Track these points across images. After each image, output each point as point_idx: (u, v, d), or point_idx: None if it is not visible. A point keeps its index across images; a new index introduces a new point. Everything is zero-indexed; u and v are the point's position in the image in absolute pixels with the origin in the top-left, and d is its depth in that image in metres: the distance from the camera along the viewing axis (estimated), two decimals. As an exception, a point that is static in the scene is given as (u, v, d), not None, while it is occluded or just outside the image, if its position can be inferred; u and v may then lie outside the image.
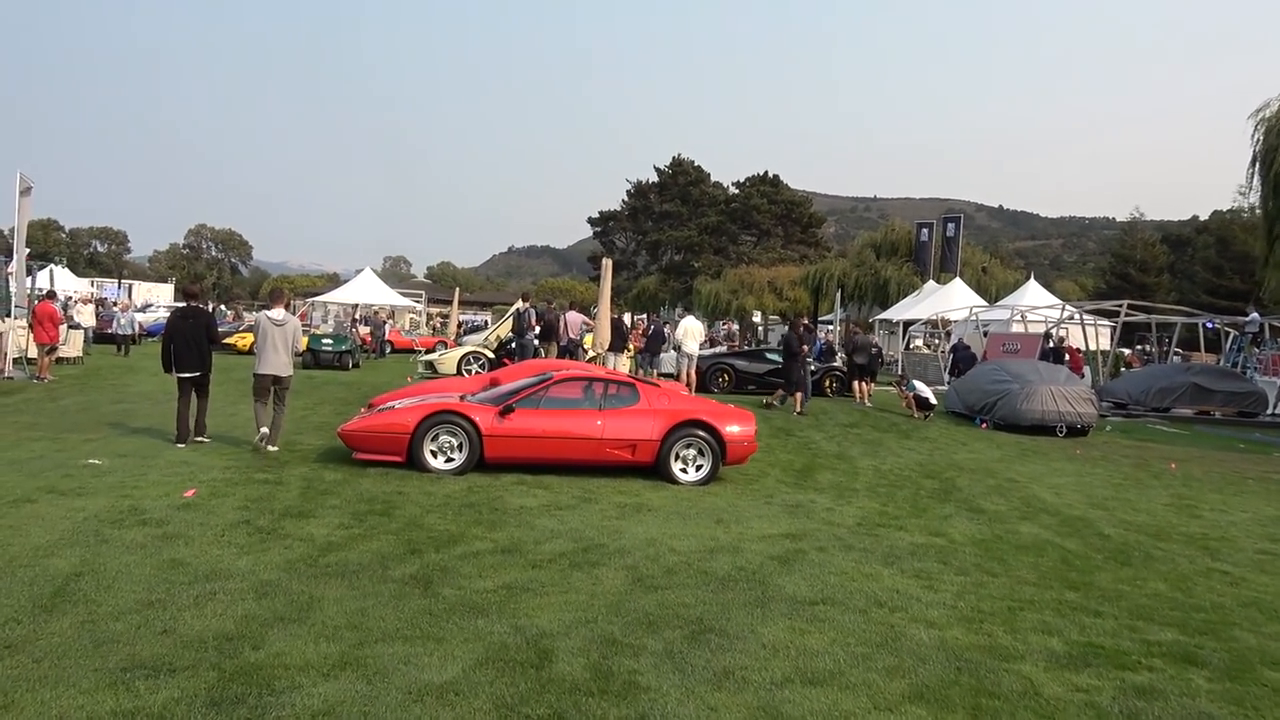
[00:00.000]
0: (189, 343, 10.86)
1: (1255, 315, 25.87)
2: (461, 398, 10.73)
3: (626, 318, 24.05)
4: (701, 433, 10.28)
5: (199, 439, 11.01)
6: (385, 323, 32.96)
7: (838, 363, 23.10)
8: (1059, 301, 34.93)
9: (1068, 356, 25.45)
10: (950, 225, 40.88)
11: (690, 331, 18.94)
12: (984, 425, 18.23)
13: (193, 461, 9.82)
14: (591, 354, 16.16)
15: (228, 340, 28.68)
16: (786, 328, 18.01)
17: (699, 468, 10.33)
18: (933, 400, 19.01)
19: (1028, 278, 37.31)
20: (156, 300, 57.65)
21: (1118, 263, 56.96)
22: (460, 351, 20.64)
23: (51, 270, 38.42)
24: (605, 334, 16.40)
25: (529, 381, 10.91)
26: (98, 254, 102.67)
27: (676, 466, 10.28)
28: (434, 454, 9.87)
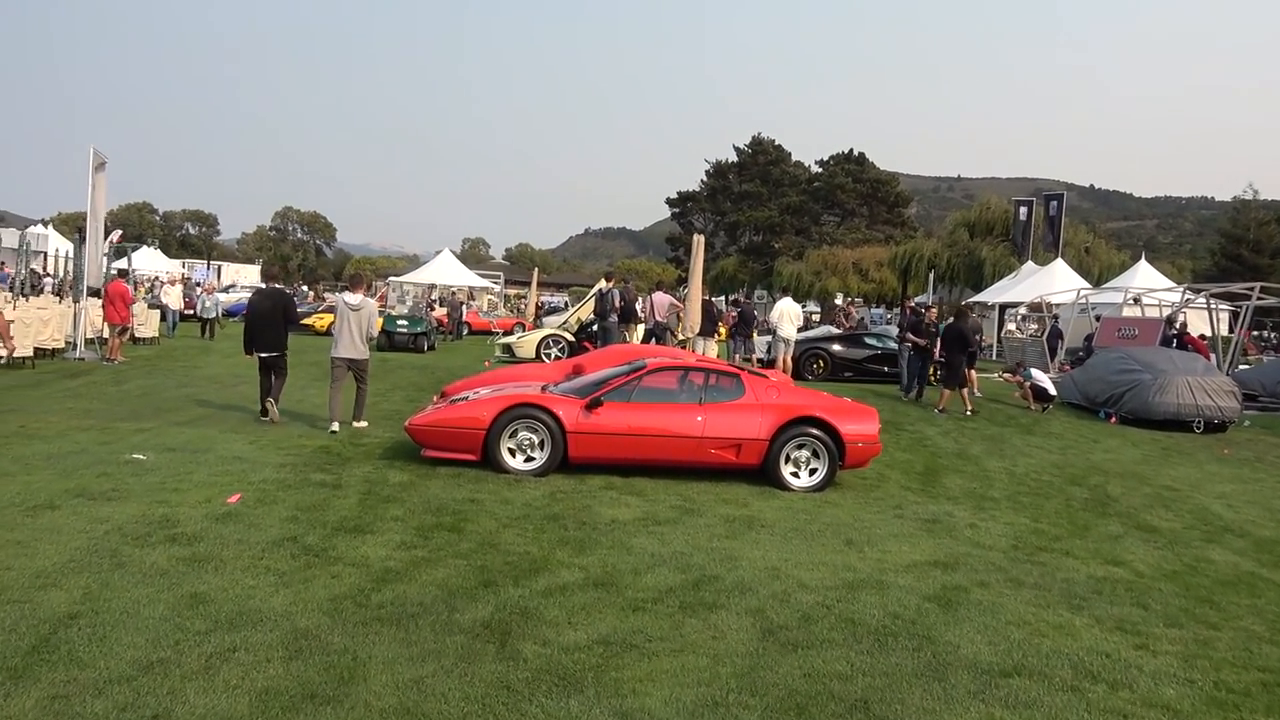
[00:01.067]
0: (268, 323, 10.95)
1: None
2: (543, 388, 9.47)
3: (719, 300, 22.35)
4: (816, 431, 8.83)
5: (272, 419, 10.86)
6: (462, 304, 32.09)
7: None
8: (1174, 285, 32.30)
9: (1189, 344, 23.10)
10: (1053, 203, 38.27)
11: (787, 314, 17.36)
12: (1112, 419, 16.33)
13: (247, 458, 8.77)
14: (681, 338, 14.80)
15: (306, 321, 28.10)
16: (954, 318, 16.29)
17: (813, 472, 8.90)
18: (1052, 391, 17.14)
19: (1137, 258, 34.60)
20: (238, 280, 58.25)
21: (1228, 243, 53.18)
22: (539, 334, 19.45)
23: (128, 252, 38.46)
24: (696, 316, 14.99)
25: (619, 370, 9.58)
26: (189, 236, 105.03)
27: (787, 470, 8.86)
28: (512, 452, 8.63)
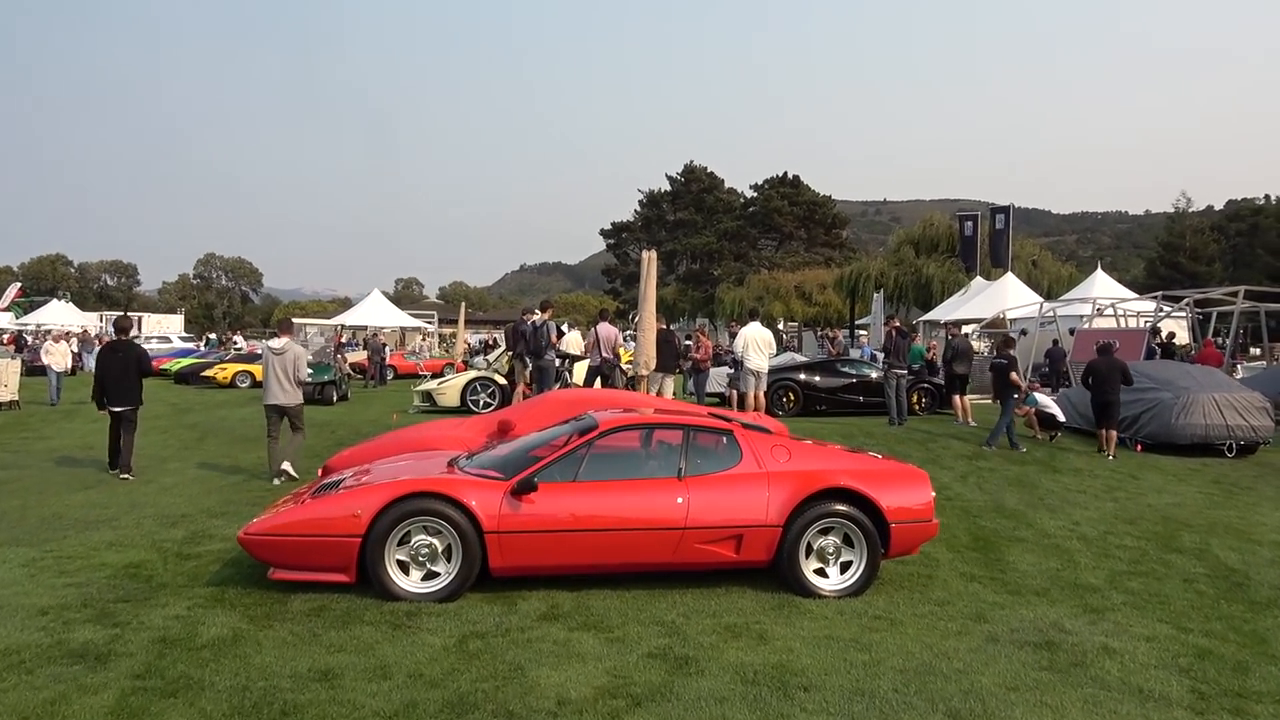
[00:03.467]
0: (120, 377, 10.41)
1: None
2: (452, 463, 6.49)
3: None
4: (847, 509, 6.01)
5: (124, 475, 10.19)
6: (385, 346, 28.78)
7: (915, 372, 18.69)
8: (1132, 294, 30.55)
9: (1195, 355, 21.01)
10: (999, 217, 36.46)
11: (754, 342, 14.39)
12: (1138, 447, 13.85)
13: (2, 591, 5.62)
14: (641, 374, 11.91)
15: (207, 374, 24.58)
16: (1002, 343, 13.64)
17: (845, 567, 6.07)
18: (1061, 417, 14.64)
19: (1096, 268, 32.88)
20: (161, 330, 54.29)
21: (1166, 252, 52.36)
22: (464, 378, 16.33)
23: (23, 309, 34.30)
24: (650, 348, 12.15)
25: (560, 432, 6.65)
26: (107, 288, 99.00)
27: (810, 568, 6.01)
28: (405, 567, 5.64)
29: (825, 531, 6.04)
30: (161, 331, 53.82)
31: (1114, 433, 13.35)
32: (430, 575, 5.65)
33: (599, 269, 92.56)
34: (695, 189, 70.60)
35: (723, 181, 71.59)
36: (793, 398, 16.75)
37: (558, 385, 15.04)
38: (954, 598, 6.04)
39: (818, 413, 16.86)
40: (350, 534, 5.51)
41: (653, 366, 12.37)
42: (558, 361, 14.50)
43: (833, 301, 48.21)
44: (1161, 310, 24.24)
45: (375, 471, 6.41)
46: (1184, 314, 25.03)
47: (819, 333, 41.47)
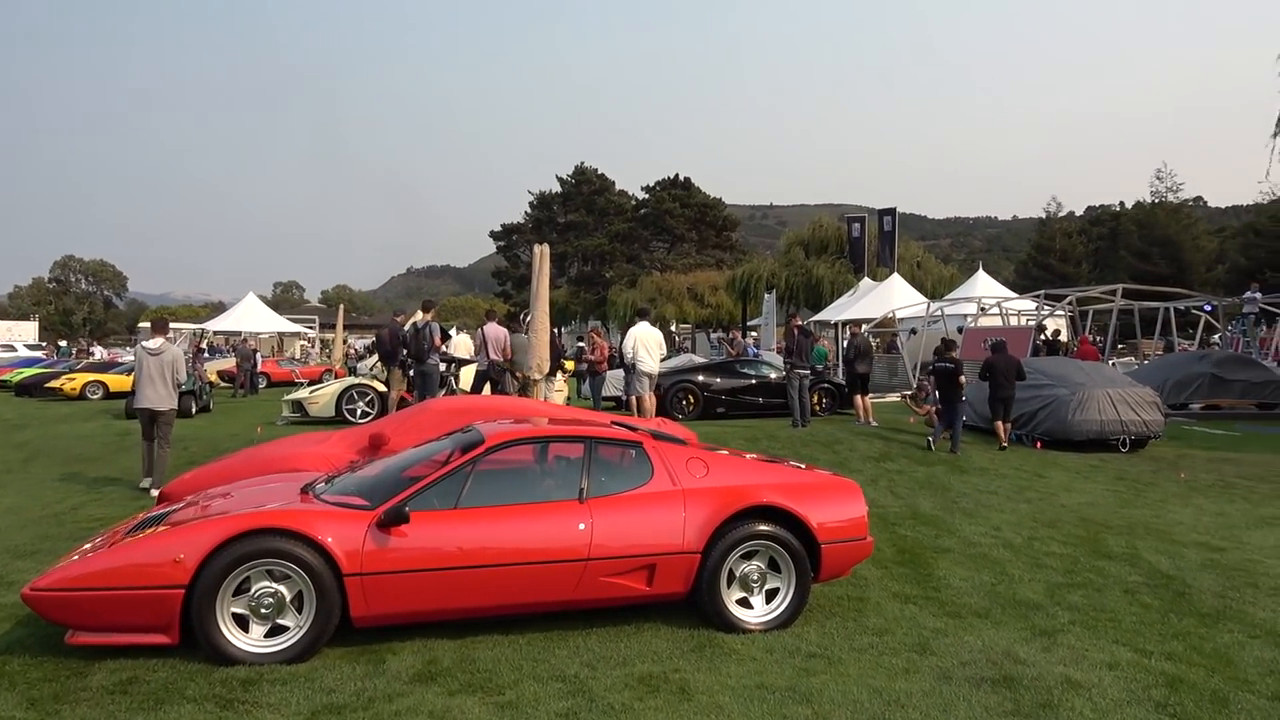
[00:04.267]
0: None
1: (1256, 294, 22.31)
2: (306, 489, 5.40)
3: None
4: (771, 528, 5.23)
5: None
6: (256, 352, 26.80)
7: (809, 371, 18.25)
8: (1013, 293, 31.28)
9: (1075, 350, 21.34)
10: (886, 219, 36.94)
11: (643, 342, 13.49)
12: (1038, 445, 13.68)
13: None
14: (533, 377, 10.87)
15: (52, 385, 22.25)
16: (944, 347, 13.09)
17: (771, 595, 5.29)
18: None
19: (977, 268, 33.55)
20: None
21: (1038, 253, 54.46)
22: (339, 386, 14.92)
23: None
24: (545, 351, 11.14)
25: (439, 448, 5.64)
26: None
27: (732, 598, 5.20)
28: (243, 622, 4.56)
29: (749, 556, 5.24)
30: (8, 339, 49.54)
31: (1008, 425, 13.33)
32: (276, 630, 4.58)
33: (489, 271, 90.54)
34: (586, 191, 69.82)
35: (614, 183, 71.03)
36: (692, 400, 16.04)
37: (443, 392, 13.91)
38: (891, 625, 5.33)
39: (717, 415, 16.20)
40: (171, 584, 4.39)
41: (546, 370, 11.41)
42: (443, 366, 13.37)
43: (724, 303, 48.16)
44: (1045, 309, 24.70)
45: (209, 502, 5.27)
46: (1062, 312, 25.61)
47: (714, 333, 41.22)
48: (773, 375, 16.62)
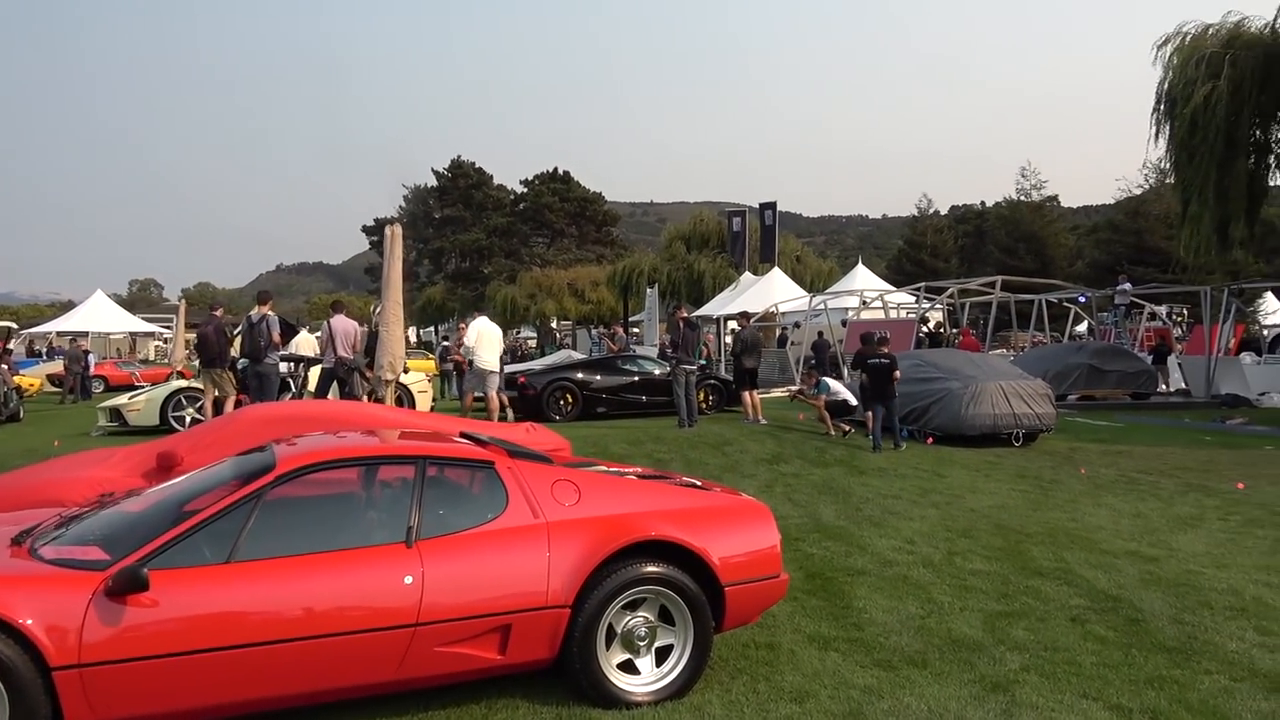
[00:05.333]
0: None
1: (1126, 285, 22.68)
2: (21, 539, 3.87)
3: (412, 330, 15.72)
4: (663, 569, 4.04)
5: None
6: (87, 353, 24.04)
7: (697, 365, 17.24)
8: (888, 285, 31.33)
9: (959, 342, 21.14)
10: (767, 213, 36.52)
11: (485, 337, 12.43)
12: (929, 440, 13.04)
13: None
14: (385, 379, 9.32)
15: None
16: (877, 342, 12.18)
17: (663, 654, 4.10)
18: (853, 401, 13.61)
19: (857, 263, 33.52)
20: None
21: (910, 249, 55.60)
22: (164, 390, 12.95)
23: None
24: (398, 348, 9.61)
25: (215, 478, 4.18)
26: None
27: (613, 662, 3.99)
28: (-112, 749, 3.06)
29: (633, 605, 4.04)
30: None
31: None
32: (-56, 757, 3.10)
33: (364, 268, 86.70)
34: (463, 185, 67.55)
35: (492, 177, 69.00)
36: (570, 399, 14.78)
37: (288, 397, 12.23)
38: (812, 684, 4.22)
39: (598, 415, 15.00)
40: None
41: (399, 370, 9.92)
42: (284, 367, 11.68)
43: (606, 299, 47.04)
44: (926, 301, 24.56)
45: None
46: (941, 305, 25.60)
47: (595, 329, 40.08)
48: (656, 372, 15.55)
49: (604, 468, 5.06)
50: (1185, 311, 33.03)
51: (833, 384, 13.96)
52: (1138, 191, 45.00)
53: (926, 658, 4.59)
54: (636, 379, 15.56)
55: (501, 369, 13.17)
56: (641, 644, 4.03)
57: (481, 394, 12.34)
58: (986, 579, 6.03)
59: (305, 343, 14.03)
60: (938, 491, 9.38)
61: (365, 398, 10.18)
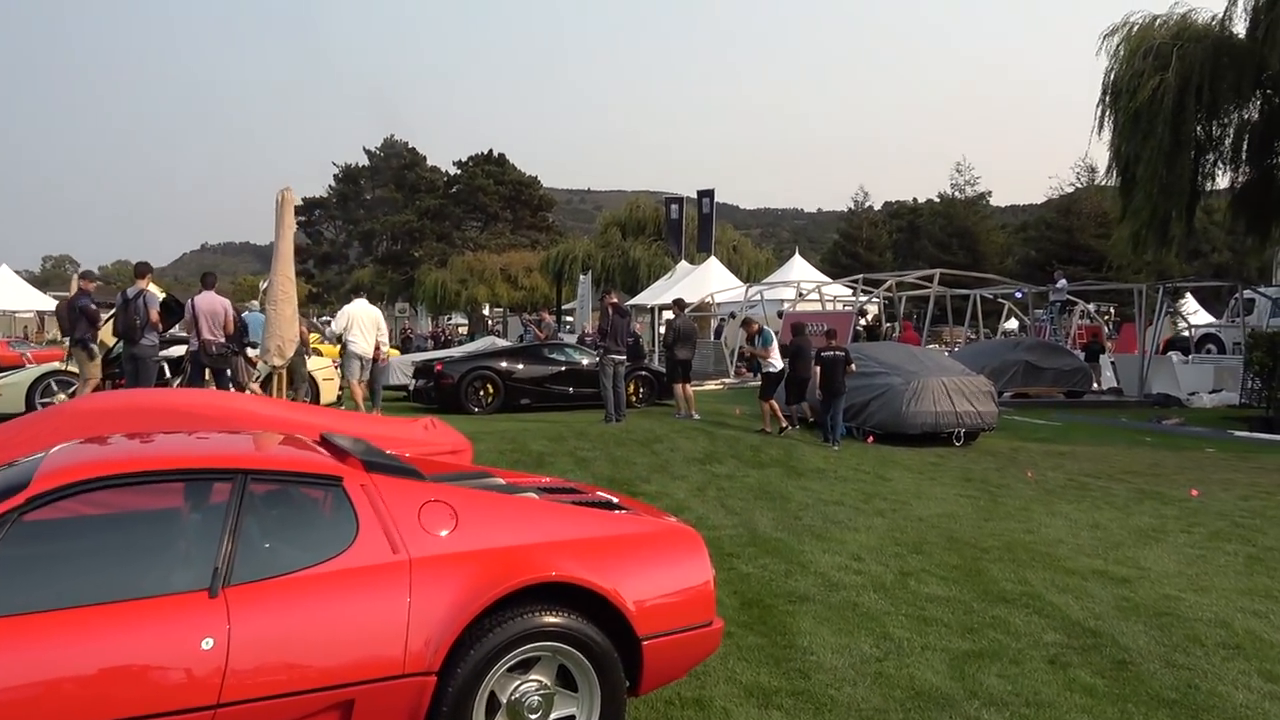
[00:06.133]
0: None
1: (1062, 282, 22.46)
2: None
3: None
4: (562, 619, 3.10)
5: None
6: (-32, 331, 22.05)
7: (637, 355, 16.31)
8: (825, 276, 30.85)
9: (899, 335, 20.62)
10: (705, 201, 35.74)
11: (359, 321, 11.44)
12: (869, 439, 12.36)
13: None
14: (273, 363, 8.17)
15: None
16: (828, 334, 11.63)
17: (561, 729, 3.16)
18: (779, 367, 12.94)
19: (794, 254, 33.01)
20: None
21: (846, 242, 55.50)
22: (31, 374, 11.52)
23: None
24: (290, 329, 8.42)
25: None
26: None
27: (494, 745, 3.04)
28: None
29: (524, 667, 3.10)
30: None
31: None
32: None
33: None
34: (395, 165, 65.45)
35: (425, 158, 66.97)
36: (491, 390, 13.72)
37: (178, 383, 10.96)
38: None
39: (521, 407, 13.97)
40: None
41: (288, 355, 8.77)
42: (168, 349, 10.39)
43: (540, 285, 45.85)
44: (863, 295, 24.05)
45: None
46: (879, 298, 25.14)
47: (525, 315, 38.89)
48: (585, 361, 14.58)
49: (501, 481, 4.10)
50: (1113, 310, 33.31)
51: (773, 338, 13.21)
52: (1069, 190, 45.48)
53: (888, 717, 3.75)
54: (564, 369, 14.56)
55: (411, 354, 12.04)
56: (533, 716, 3.09)
57: (350, 377, 11.33)
58: (946, 607, 5.23)
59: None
60: (881, 497, 8.64)
61: (248, 388, 9.01)
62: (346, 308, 11.53)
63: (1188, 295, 36.75)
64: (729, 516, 7.64)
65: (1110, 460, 11.53)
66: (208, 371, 9.70)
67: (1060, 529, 7.45)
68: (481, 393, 13.62)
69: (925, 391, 12.53)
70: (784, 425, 12.47)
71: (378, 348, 12.89)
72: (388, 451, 3.62)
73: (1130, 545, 6.91)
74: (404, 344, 35.24)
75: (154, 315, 9.74)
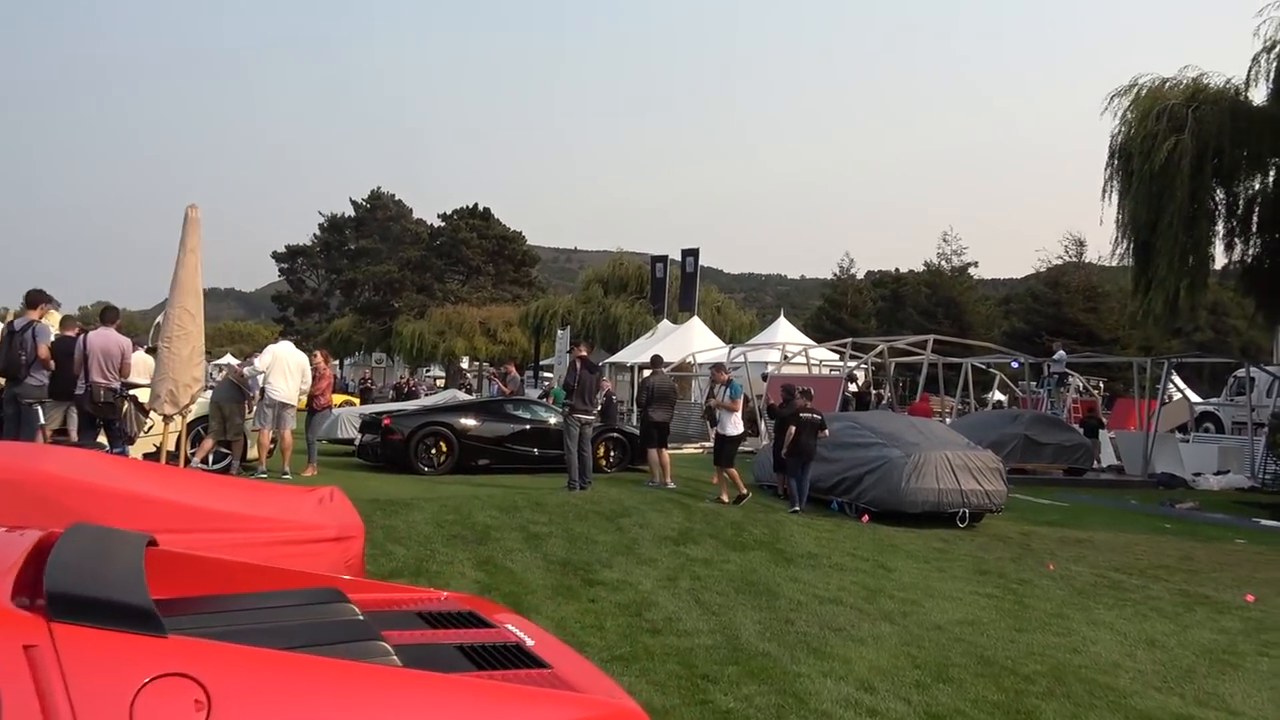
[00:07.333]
0: None
1: (1061, 353, 21.30)
2: None
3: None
4: None
5: None
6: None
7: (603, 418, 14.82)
8: (810, 340, 29.67)
9: (887, 403, 19.28)
10: (689, 260, 34.72)
11: (280, 363, 10.28)
12: (864, 518, 10.93)
13: None
14: (164, 413, 6.68)
15: None
16: (803, 394, 10.55)
17: None
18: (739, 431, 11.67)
19: (779, 316, 31.89)
20: None
21: (831, 308, 54.62)
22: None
23: None
24: (188, 372, 6.96)
25: None
26: None
27: None
28: None
29: None
30: None
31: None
32: None
33: (274, 297, 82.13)
34: (381, 216, 64.58)
35: (411, 210, 66.16)
36: (445, 448, 12.16)
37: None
38: None
39: (478, 469, 12.42)
40: None
41: (184, 402, 7.29)
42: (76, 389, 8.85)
43: (519, 340, 44.57)
44: (852, 360, 22.81)
45: None
46: (868, 364, 23.93)
47: (488, 367, 37.44)
48: (553, 420, 13.10)
49: (356, 612, 2.62)
50: (1102, 384, 32.25)
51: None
52: (1057, 262, 44.88)
53: None
54: (528, 427, 13.06)
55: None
56: None
57: (262, 425, 9.99)
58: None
59: (139, 363, 11.21)
60: (886, 594, 7.18)
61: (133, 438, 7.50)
62: (271, 347, 10.18)
63: (1173, 373, 35.88)
64: (705, 617, 6.15)
65: (1135, 551, 10.15)
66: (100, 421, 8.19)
67: (1111, 646, 6.01)
68: (433, 451, 12.07)
69: (927, 466, 11.16)
70: (743, 492, 11.11)
71: (323, 393, 11.47)
72: (142, 574, 2.14)
73: (1204, 674, 5.47)
74: (363, 394, 33.61)
75: (43, 351, 8.24)
